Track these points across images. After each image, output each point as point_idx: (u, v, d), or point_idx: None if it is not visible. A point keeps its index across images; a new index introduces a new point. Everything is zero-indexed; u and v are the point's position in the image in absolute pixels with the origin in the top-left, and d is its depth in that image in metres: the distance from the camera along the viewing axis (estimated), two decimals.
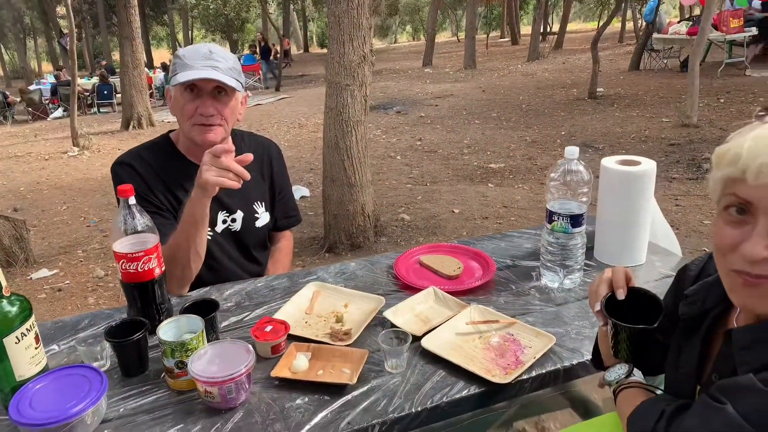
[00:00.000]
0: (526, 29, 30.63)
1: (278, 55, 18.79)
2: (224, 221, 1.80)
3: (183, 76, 1.61)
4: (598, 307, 1.08)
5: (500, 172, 6.33)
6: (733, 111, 8.11)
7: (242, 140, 1.90)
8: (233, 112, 1.72)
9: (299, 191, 5.97)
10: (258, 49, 18.67)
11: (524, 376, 1.24)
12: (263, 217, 1.89)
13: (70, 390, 1.14)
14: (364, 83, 4.02)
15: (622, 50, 18.35)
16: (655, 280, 1.63)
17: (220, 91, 1.67)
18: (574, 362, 1.30)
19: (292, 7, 31.28)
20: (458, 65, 18.19)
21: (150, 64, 24.78)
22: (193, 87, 1.65)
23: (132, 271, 1.34)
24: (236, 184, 1.49)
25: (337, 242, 4.30)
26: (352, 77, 3.95)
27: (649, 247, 1.73)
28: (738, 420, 0.79)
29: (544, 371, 1.27)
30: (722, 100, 8.92)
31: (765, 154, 0.78)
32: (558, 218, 1.52)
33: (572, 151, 1.51)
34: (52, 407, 1.09)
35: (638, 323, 1.02)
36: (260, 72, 17.76)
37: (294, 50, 32.99)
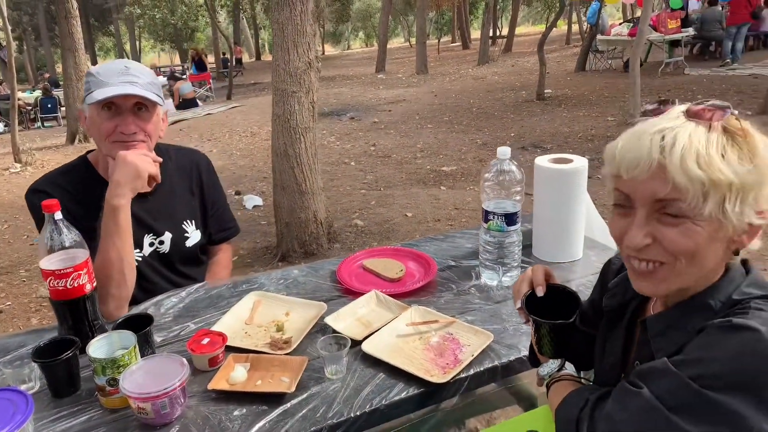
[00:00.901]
0: (476, 33, 31.12)
1: (230, 64, 18.57)
2: (151, 244, 1.74)
3: (100, 94, 1.54)
4: (519, 305, 1.11)
5: (452, 175, 6.41)
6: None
7: (167, 155, 1.81)
8: (156, 128, 1.67)
9: (252, 200, 5.90)
10: (191, 65, 18.00)
11: (462, 375, 1.26)
12: (194, 236, 1.83)
13: None
14: (311, 90, 4.01)
15: (569, 52, 18.84)
16: (592, 274, 1.67)
17: (140, 107, 1.61)
18: (512, 358, 1.32)
19: (242, 15, 30.98)
20: (411, 70, 18.34)
21: None
22: (110, 105, 1.58)
23: (61, 288, 1.30)
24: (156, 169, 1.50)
25: (290, 251, 4.27)
26: (298, 84, 3.94)
27: (586, 242, 1.78)
28: (653, 402, 0.82)
29: (482, 368, 1.29)
30: (662, 98, 9.26)
31: (633, 150, 0.85)
32: (493, 217, 1.55)
33: (504, 151, 1.54)
34: None
35: (558, 319, 1.05)
36: (210, 81, 17.48)
37: (246, 58, 32.66)
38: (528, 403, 1.86)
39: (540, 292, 1.10)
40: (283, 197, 4.22)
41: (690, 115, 0.85)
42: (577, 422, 0.91)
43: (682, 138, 0.81)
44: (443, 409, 2.11)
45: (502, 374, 1.32)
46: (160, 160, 1.52)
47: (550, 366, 1.14)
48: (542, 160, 1.72)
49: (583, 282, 1.64)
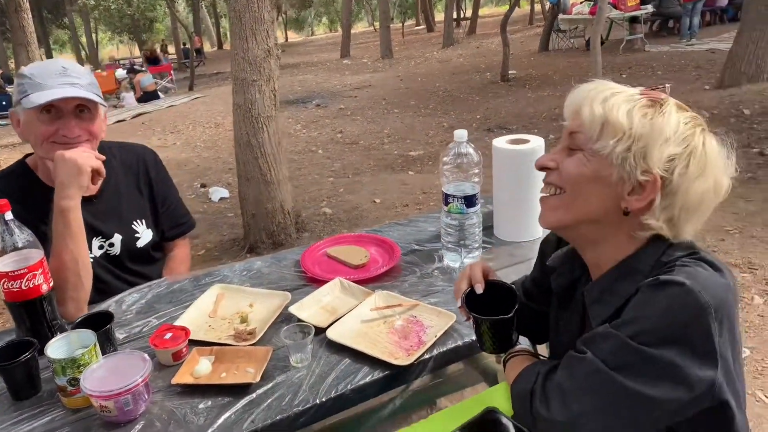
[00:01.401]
0: (440, 16, 31.06)
1: (191, 54, 18.21)
2: (101, 247, 1.70)
3: (39, 97, 1.47)
4: (459, 303, 1.12)
5: (420, 159, 6.43)
6: (635, 85, 8.49)
7: (111, 153, 1.75)
8: (100, 128, 1.61)
9: (218, 193, 5.83)
10: (145, 61, 17.49)
11: (426, 356, 1.28)
12: (144, 236, 1.79)
13: None
14: (272, 77, 3.96)
15: (532, 32, 18.96)
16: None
17: (82, 109, 1.55)
18: (474, 338, 1.34)
19: (201, 3, 30.35)
20: (376, 55, 18.25)
21: None
22: (50, 108, 1.52)
23: (15, 289, 1.27)
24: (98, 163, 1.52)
25: (257, 242, 4.24)
26: (258, 72, 3.88)
27: None
28: (597, 364, 0.87)
29: (445, 349, 1.30)
30: (624, 76, 9.40)
31: (569, 100, 0.99)
32: (453, 200, 1.57)
33: (461, 134, 1.55)
34: None
35: (498, 314, 1.06)
36: (171, 72, 17.13)
37: (207, 47, 32.08)
38: (492, 379, 1.90)
39: (479, 289, 1.12)
40: (248, 188, 4.18)
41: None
42: (531, 394, 0.94)
43: (604, 91, 0.95)
44: (414, 389, 2.14)
45: (465, 353, 1.35)
46: (103, 157, 1.48)
47: None
48: (500, 142, 1.74)
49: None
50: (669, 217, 0.92)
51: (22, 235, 1.27)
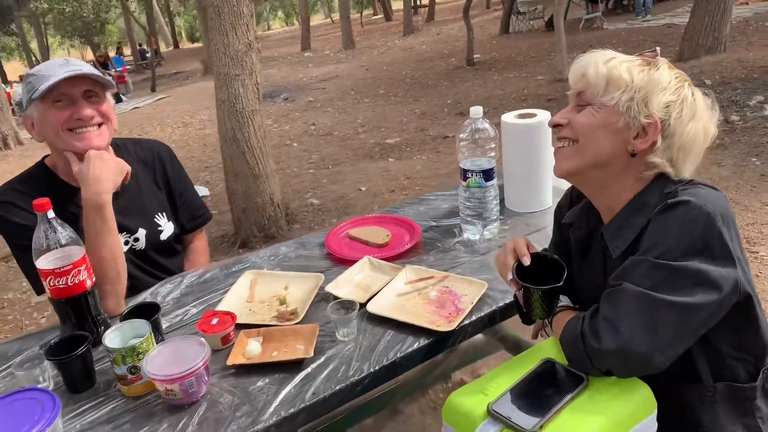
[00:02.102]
0: (397, 4, 31.05)
1: (147, 54, 17.85)
2: (126, 242, 1.72)
3: (46, 85, 1.50)
4: (510, 276, 1.18)
5: (397, 147, 6.49)
6: None
7: (126, 150, 1.78)
8: (111, 111, 1.64)
9: (198, 191, 5.79)
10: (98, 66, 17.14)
11: (466, 321, 1.34)
12: (167, 228, 1.82)
13: (20, 416, 1.09)
14: (254, 71, 3.96)
15: (490, 16, 19.14)
16: None
17: (90, 95, 1.58)
18: (508, 301, 1.41)
19: (155, 3, 29.67)
20: (337, 46, 18.19)
21: (4, 79, 22.69)
22: (60, 98, 1.54)
23: (62, 286, 1.29)
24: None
25: (249, 236, 4.25)
26: (240, 66, 3.88)
27: (554, 190, 1.89)
28: (635, 290, 0.98)
29: (482, 314, 1.37)
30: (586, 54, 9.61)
31: (575, 66, 1.13)
32: (472, 175, 1.63)
33: (476, 111, 1.61)
34: None
35: (545, 284, 1.12)
36: (126, 76, 16.71)
37: (163, 47, 31.44)
38: (515, 345, 1.99)
39: (526, 261, 1.18)
40: (236, 183, 4.18)
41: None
42: (582, 336, 1.02)
43: (606, 54, 1.10)
44: (429, 366, 2.21)
45: (500, 317, 1.42)
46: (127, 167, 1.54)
47: None
48: (508, 117, 1.81)
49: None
50: (669, 157, 1.07)
51: (64, 232, 1.29)
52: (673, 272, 0.96)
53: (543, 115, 1.78)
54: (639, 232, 1.05)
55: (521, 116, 1.80)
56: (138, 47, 23.77)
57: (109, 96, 1.66)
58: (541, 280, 1.13)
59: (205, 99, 12.05)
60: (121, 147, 1.78)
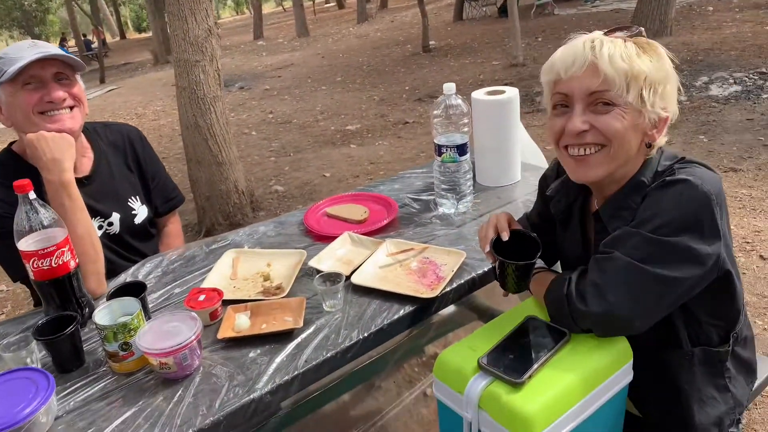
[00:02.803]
0: None
1: (93, 45, 17.25)
2: (100, 227, 1.71)
3: (15, 68, 1.48)
4: (487, 249, 1.23)
5: (358, 133, 6.51)
6: (551, 47, 8.93)
7: (96, 133, 1.77)
8: (83, 93, 1.63)
9: None
10: None
11: (447, 288, 1.40)
12: (141, 212, 1.81)
13: (14, 394, 1.09)
14: (215, 57, 3.91)
15: (443, 3, 19.25)
16: (531, 192, 1.86)
17: (60, 77, 1.57)
18: (486, 269, 1.47)
19: None
20: (291, 34, 17.99)
21: None
22: (29, 80, 1.52)
23: (45, 267, 1.28)
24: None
25: (214, 224, 4.21)
26: (201, 52, 3.82)
27: (522, 166, 1.97)
28: (625, 259, 1.03)
29: (462, 281, 1.43)
30: (540, 39, 9.83)
31: (568, 54, 1.07)
32: (446, 150, 1.68)
33: (449, 87, 1.66)
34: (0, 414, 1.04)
35: (521, 260, 1.18)
36: None
37: (109, 38, 30.42)
38: (488, 314, 2.06)
39: (505, 237, 1.23)
40: (199, 171, 4.13)
41: (608, 33, 1.09)
42: (567, 297, 1.08)
43: (607, 43, 1.05)
44: (402, 341, 2.27)
45: (479, 284, 1.48)
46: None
47: None
48: (478, 94, 1.86)
49: (523, 200, 1.83)
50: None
51: (46, 214, 1.28)
52: (665, 248, 1.00)
53: (511, 92, 1.84)
54: (635, 211, 1.08)
55: (491, 93, 1.86)
56: (83, 38, 22.91)
57: (79, 78, 1.64)
58: (518, 256, 1.18)
59: (156, 89, 11.78)
60: (90, 131, 1.76)
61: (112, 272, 1.66)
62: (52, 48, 1.56)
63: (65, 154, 1.51)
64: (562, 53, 1.08)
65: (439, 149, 1.70)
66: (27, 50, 1.52)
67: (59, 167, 1.49)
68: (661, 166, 1.11)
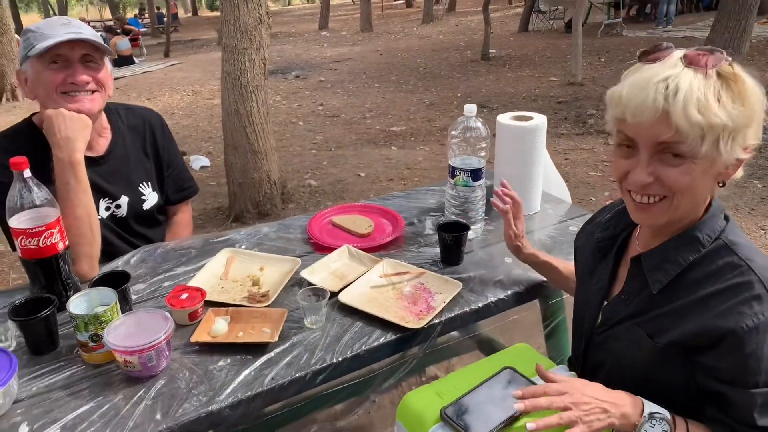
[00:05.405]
0: None
1: (165, 19, 17.73)
2: (107, 208, 1.71)
3: (44, 45, 1.48)
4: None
5: (402, 135, 6.45)
6: (612, 69, 8.69)
7: (117, 115, 1.77)
8: (108, 78, 1.62)
9: (199, 161, 5.78)
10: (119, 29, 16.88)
11: (435, 320, 1.33)
12: (150, 198, 1.80)
13: None
14: (262, 46, 3.92)
15: (511, 12, 18.96)
16: (551, 225, 1.78)
17: (88, 59, 1.56)
18: (480, 305, 1.40)
19: None
20: (355, 28, 18.04)
21: (20, 29, 22.58)
22: (57, 59, 1.53)
23: (33, 246, 1.28)
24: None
25: (243, 211, 4.24)
26: (248, 40, 3.84)
27: (543, 196, 1.88)
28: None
29: (453, 314, 1.36)
30: (603, 59, 9.53)
31: (638, 97, 0.92)
32: (460, 173, 1.61)
33: (470, 108, 1.59)
34: None
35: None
36: (139, 41, 16.56)
37: (182, 13, 31.26)
38: (489, 347, 1.98)
39: None
40: (235, 157, 4.16)
41: (688, 61, 0.92)
42: None
43: (683, 86, 0.89)
44: (405, 359, 2.21)
45: (471, 319, 1.41)
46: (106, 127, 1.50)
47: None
48: (504, 118, 1.78)
49: (540, 232, 1.74)
50: None
51: (40, 193, 1.28)
52: None
53: (539, 119, 1.76)
54: (682, 269, 1.00)
55: (517, 118, 1.77)
56: (156, 11, 23.60)
57: (107, 62, 1.64)
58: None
59: (217, 69, 11.94)
60: (112, 111, 1.76)
61: (112, 255, 1.66)
62: (85, 29, 1.57)
63: (79, 134, 1.51)
64: (630, 91, 0.94)
65: (452, 171, 1.63)
66: (59, 28, 1.52)
67: (71, 146, 1.49)
68: (727, 238, 0.99)
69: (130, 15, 21.19)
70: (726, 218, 1.03)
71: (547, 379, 1.03)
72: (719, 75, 0.91)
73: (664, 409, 0.96)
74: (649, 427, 0.94)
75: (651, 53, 0.97)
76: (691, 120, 0.88)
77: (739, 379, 0.93)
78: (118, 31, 15.05)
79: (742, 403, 0.94)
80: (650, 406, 0.96)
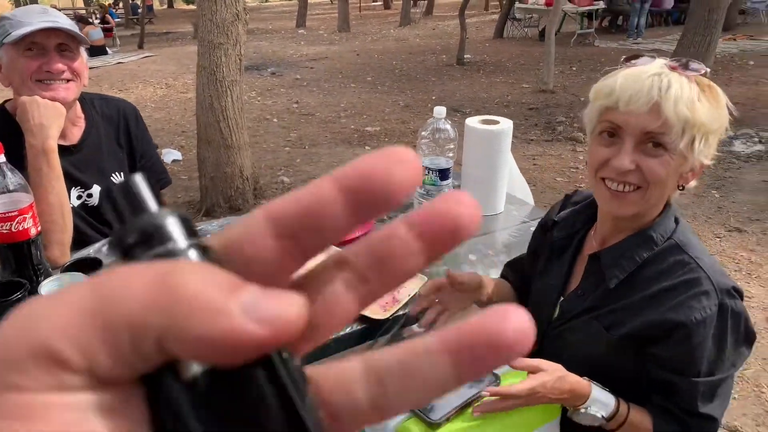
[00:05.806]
0: None
1: (139, 10, 17.47)
2: (79, 197, 1.72)
3: (20, 32, 1.50)
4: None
5: (376, 136, 6.51)
6: (583, 78, 8.89)
7: (92, 105, 1.78)
8: (83, 67, 1.64)
9: (171, 155, 5.75)
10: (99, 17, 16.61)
11: (400, 312, 1.39)
12: None
13: None
14: (239, 42, 3.94)
15: (487, 18, 19.18)
16: (514, 226, 1.85)
17: (64, 48, 1.58)
18: None
19: None
20: (332, 28, 18.05)
21: None
22: (32, 46, 1.54)
23: (5, 231, 1.30)
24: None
25: (214, 205, 4.24)
26: (225, 35, 3.85)
27: (507, 197, 1.95)
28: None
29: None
30: (574, 68, 9.74)
31: (634, 87, 1.00)
32: (428, 172, 1.67)
33: (440, 111, 1.66)
34: None
35: None
36: (113, 32, 16.30)
37: (157, 5, 30.81)
38: None
39: None
40: (207, 151, 4.16)
41: (671, 67, 1.02)
42: None
43: (674, 83, 0.99)
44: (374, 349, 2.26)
45: None
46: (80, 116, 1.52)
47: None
48: (472, 121, 1.85)
49: (503, 232, 1.81)
50: None
51: (13, 179, 1.30)
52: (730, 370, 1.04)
53: (505, 124, 1.83)
54: (636, 267, 1.07)
55: (485, 122, 1.84)
56: (131, 1, 23.20)
57: (83, 52, 1.65)
58: None
59: (191, 62, 11.84)
60: (87, 101, 1.78)
61: (83, 243, 1.67)
62: (62, 18, 1.59)
63: (53, 121, 1.53)
64: (625, 82, 1.01)
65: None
66: (36, 16, 1.54)
67: (44, 133, 1.51)
68: (678, 239, 1.08)
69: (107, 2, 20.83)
70: (676, 221, 1.11)
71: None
72: (698, 83, 1.01)
73: (609, 395, 1.04)
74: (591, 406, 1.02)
75: (635, 59, 1.07)
76: (679, 114, 0.97)
77: (686, 369, 1.01)
78: (90, 20, 14.79)
79: (686, 391, 1.02)
80: (597, 391, 1.03)
